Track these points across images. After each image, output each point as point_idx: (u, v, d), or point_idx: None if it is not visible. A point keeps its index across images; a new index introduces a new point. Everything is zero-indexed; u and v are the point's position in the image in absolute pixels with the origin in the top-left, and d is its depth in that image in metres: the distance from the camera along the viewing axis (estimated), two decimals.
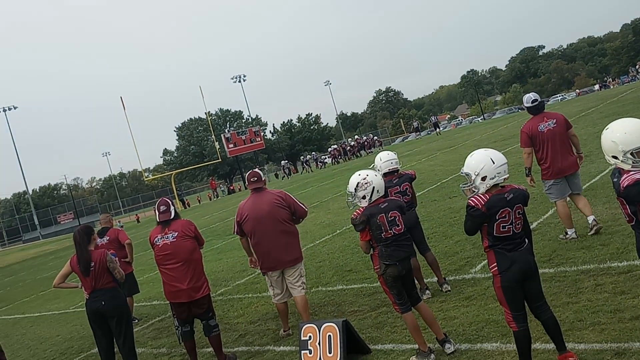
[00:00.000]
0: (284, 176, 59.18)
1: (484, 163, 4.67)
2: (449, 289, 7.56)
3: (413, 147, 41.52)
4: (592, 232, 8.10)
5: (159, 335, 9.37)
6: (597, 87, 72.55)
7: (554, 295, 6.34)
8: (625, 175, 4.03)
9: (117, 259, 7.21)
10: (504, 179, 4.68)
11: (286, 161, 65.42)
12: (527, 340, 4.74)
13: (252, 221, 7.33)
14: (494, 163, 4.65)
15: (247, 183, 7.69)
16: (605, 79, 79.99)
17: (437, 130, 55.53)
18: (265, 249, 7.32)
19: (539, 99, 8.68)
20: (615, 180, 4.18)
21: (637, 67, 73.84)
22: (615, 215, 8.79)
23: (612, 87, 65.42)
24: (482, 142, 27.91)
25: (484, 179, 4.66)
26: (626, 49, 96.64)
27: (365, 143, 57.45)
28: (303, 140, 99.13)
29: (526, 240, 4.76)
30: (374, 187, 5.66)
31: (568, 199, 8.47)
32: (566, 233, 8.34)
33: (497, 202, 4.60)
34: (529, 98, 8.65)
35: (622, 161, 4.10)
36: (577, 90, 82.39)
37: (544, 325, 4.81)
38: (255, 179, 7.55)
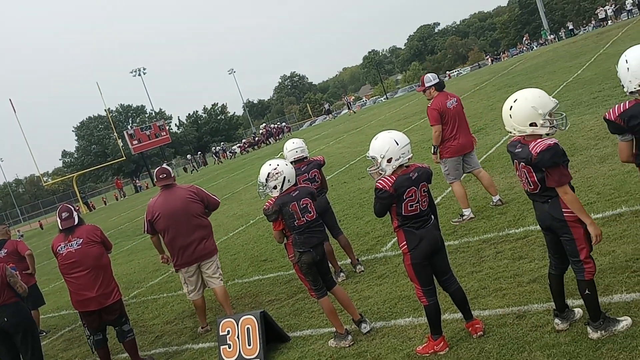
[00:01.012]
0: (193, 169, 58.25)
1: (388, 145, 4.79)
2: (362, 269, 7.74)
3: (321, 131, 41.90)
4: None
5: (69, 346, 9.04)
6: (489, 60, 75.56)
7: (459, 266, 6.63)
8: (533, 143, 4.20)
9: (17, 272, 6.87)
10: (409, 158, 4.82)
11: (199, 153, 64.36)
12: (437, 312, 4.95)
13: (165, 218, 7.23)
14: (397, 144, 4.77)
15: (155, 180, 7.56)
16: (497, 53, 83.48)
17: (350, 109, 57.58)
18: (181, 245, 7.25)
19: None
20: (518, 150, 4.35)
21: (524, 39, 77.45)
22: (511, 184, 9.28)
23: (503, 59, 68.39)
24: (386, 121, 28.56)
25: (389, 160, 4.78)
26: (514, 22, 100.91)
27: (274, 131, 57.48)
28: (211, 131, 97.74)
29: (432, 217, 4.94)
30: (284, 177, 5.69)
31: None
32: (462, 215, 8.51)
33: (404, 182, 4.74)
34: (432, 76, 8.79)
35: (541, 125, 4.24)
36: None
37: (452, 297, 5.04)
38: (164, 175, 7.44)
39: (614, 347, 4.10)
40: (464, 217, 8.45)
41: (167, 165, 7.67)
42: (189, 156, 62.35)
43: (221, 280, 7.51)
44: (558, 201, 4.24)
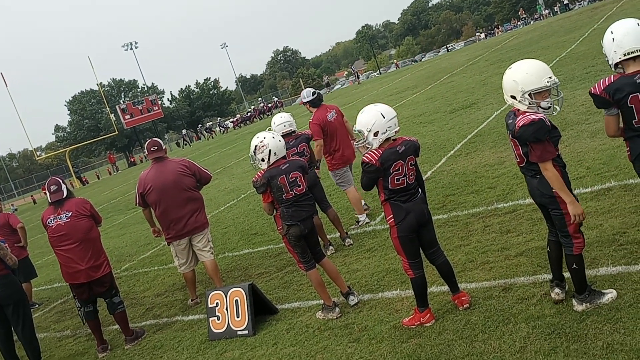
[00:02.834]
0: (186, 144, 58.06)
1: (375, 119, 4.77)
2: (351, 242, 7.77)
3: None
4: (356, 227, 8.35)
5: (62, 318, 9.09)
6: (482, 35, 75.13)
7: (447, 239, 6.66)
8: (521, 116, 4.21)
9: (7, 245, 6.86)
10: (395, 131, 4.80)
11: (199, 125, 64.29)
12: (424, 285, 4.97)
13: (156, 191, 7.23)
14: (384, 118, 4.75)
15: (147, 153, 7.54)
16: (492, 27, 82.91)
17: (357, 80, 57.95)
18: (173, 217, 7.28)
19: (318, 92, 8.81)
20: (510, 121, 4.36)
21: (519, 13, 76.99)
22: (501, 158, 9.29)
23: (497, 34, 68.05)
24: (378, 96, 28.47)
25: (376, 134, 4.76)
26: None
27: (265, 108, 57.90)
28: (203, 106, 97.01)
29: (419, 190, 4.94)
30: (270, 150, 5.67)
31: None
32: (358, 221, 8.49)
33: (390, 156, 4.72)
34: (308, 92, 8.65)
35: (519, 101, 4.24)
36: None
37: (439, 270, 5.06)
38: (156, 148, 7.44)
39: (598, 319, 4.14)
40: (360, 223, 8.44)
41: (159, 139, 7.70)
42: (184, 131, 62.14)
43: (212, 253, 7.54)
44: None
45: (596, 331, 4.01)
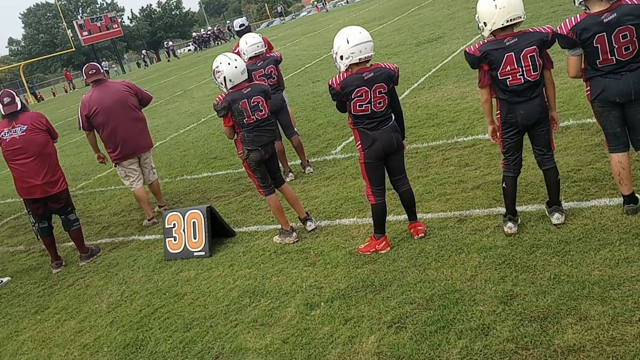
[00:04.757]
0: (147, 65, 56.67)
1: (339, 43, 4.67)
2: (312, 171, 7.77)
3: (277, 32, 40.88)
4: None
5: (15, 233, 8.97)
6: None
7: (407, 171, 6.69)
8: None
9: None
10: (362, 58, 4.65)
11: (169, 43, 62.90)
12: (383, 213, 5.03)
13: (103, 111, 7.26)
14: (348, 43, 4.64)
15: (85, 78, 7.59)
16: None
17: (325, 7, 57.75)
18: (122, 137, 7.35)
19: (247, 25, 8.97)
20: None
21: None
22: (464, 93, 9.32)
23: None
24: (344, 25, 27.90)
25: (341, 58, 4.68)
26: None
27: (218, 33, 57.37)
28: (165, 27, 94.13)
29: (392, 118, 4.91)
30: (225, 77, 5.53)
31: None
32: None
33: (353, 82, 4.66)
34: (237, 23, 8.94)
35: (480, 28, 4.41)
36: None
37: (401, 197, 5.12)
38: (94, 70, 7.55)
39: (548, 251, 4.27)
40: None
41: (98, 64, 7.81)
42: (143, 51, 60.51)
43: (155, 173, 7.86)
44: (543, 94, 4.49)
45: (545, 262, 4.15)
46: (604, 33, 4.14)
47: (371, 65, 4.75)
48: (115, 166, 7.62)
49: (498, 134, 4.65)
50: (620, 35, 4.12)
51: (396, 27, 21.30)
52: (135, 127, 7.44)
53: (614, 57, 4.19)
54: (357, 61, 4.66)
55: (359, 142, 4.88)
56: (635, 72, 4.20)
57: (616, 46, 4.15)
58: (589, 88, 4.44)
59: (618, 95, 4.26)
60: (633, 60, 4.20)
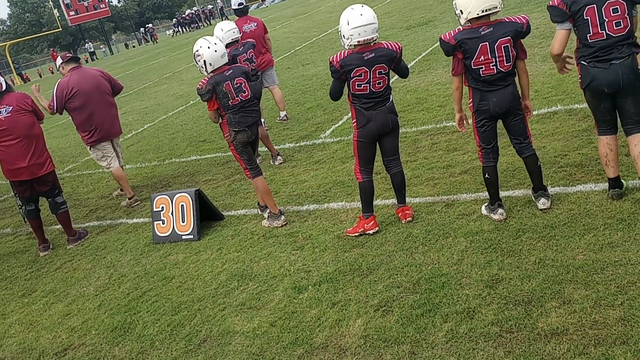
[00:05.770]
0: (134, 46, 56.18)
1: (342, 22, 4.73)
2: (282, 161, 7.66)
3: (268, 14, 40.58)
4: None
5: (1, 215, 8.92)
6: None
7: None
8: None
9: None
10: (362, 40, 4.63)
11: (151, 26, 62.35)
12: (370, 192, 5.06)
13: (82, 94, 7.47)
14: (348, 25, 4.65)
15: (62, 61, 7.80)
16: None
17: None
18: (100, 120, 7.60)
19: (246, 5, 9.30)
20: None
21: None
22: None
23: None
24: (334, 7, 27.82)
25: (344, 37, 4.70)
26: None
27: (208, 13, 56.97)
28: (153, 7, 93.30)
29: (390, 99, 4.92)
30: (205, 61, 5.54)
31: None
32: (280, 117, 9.53)
33: (353, 61, 4.67)
34: (235, 2, 9.27)
35: (457, 15, 4.49)
36: None
37: (392, 178, 5.15)
38: (71, 55, 7.85)
39: (533, 236, 4.32)
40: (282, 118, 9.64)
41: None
42: (141, 29, 60.28)
43: (122, 159, 8.17)
44: (515, 83, 4.55)
45: (530, 247, 4.19)
46: (594, 5, 4.21)
47: (374, 44, 4.75)
48: (90, 149, 7.78)
49: (465, 122, 4.81)
50: (610, 8, 4.17)
51: (387, 10, 21.21)
52: (110, 111, 7.72)
53: (604, 32, 4.22)
54: (357, 43, 4.67)
55: (355, 120, 4.93)
56: (623, 62, 4.24)
57: (606, 19, 4.19)
58: (580, 75, 4.48)
59: (607, 86, 4.29)
60: (624, 40, 4.22)
